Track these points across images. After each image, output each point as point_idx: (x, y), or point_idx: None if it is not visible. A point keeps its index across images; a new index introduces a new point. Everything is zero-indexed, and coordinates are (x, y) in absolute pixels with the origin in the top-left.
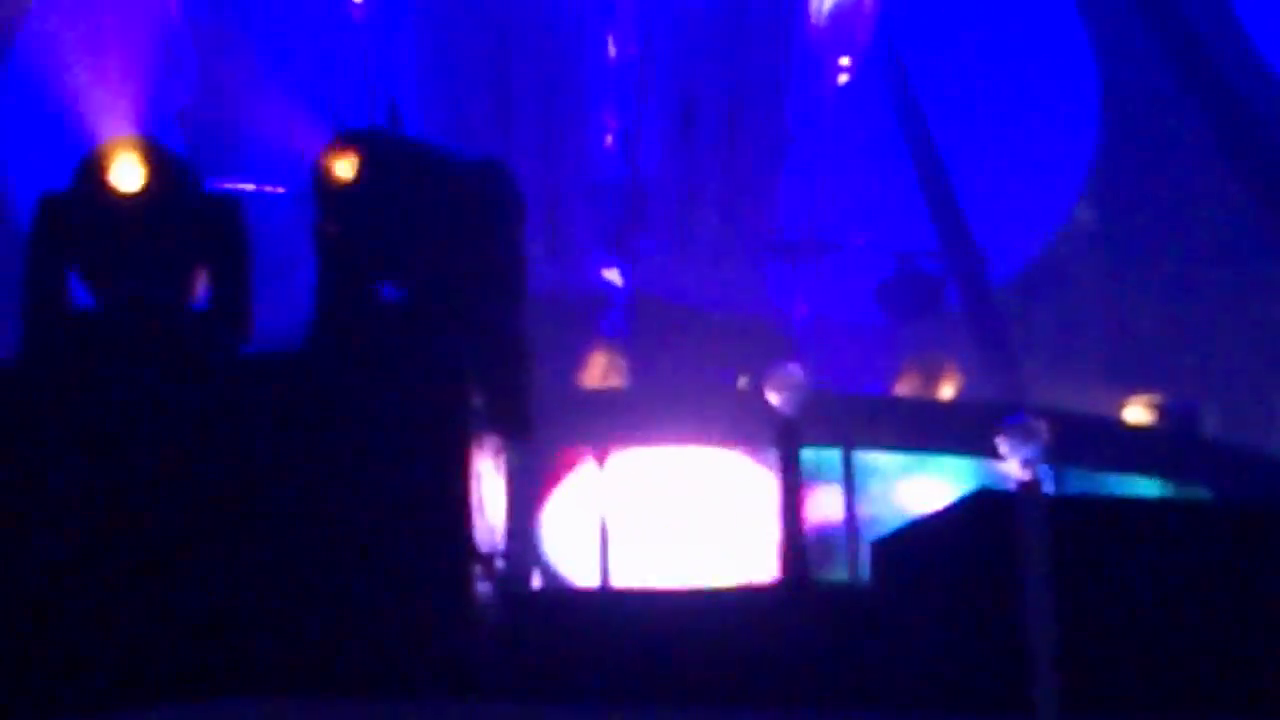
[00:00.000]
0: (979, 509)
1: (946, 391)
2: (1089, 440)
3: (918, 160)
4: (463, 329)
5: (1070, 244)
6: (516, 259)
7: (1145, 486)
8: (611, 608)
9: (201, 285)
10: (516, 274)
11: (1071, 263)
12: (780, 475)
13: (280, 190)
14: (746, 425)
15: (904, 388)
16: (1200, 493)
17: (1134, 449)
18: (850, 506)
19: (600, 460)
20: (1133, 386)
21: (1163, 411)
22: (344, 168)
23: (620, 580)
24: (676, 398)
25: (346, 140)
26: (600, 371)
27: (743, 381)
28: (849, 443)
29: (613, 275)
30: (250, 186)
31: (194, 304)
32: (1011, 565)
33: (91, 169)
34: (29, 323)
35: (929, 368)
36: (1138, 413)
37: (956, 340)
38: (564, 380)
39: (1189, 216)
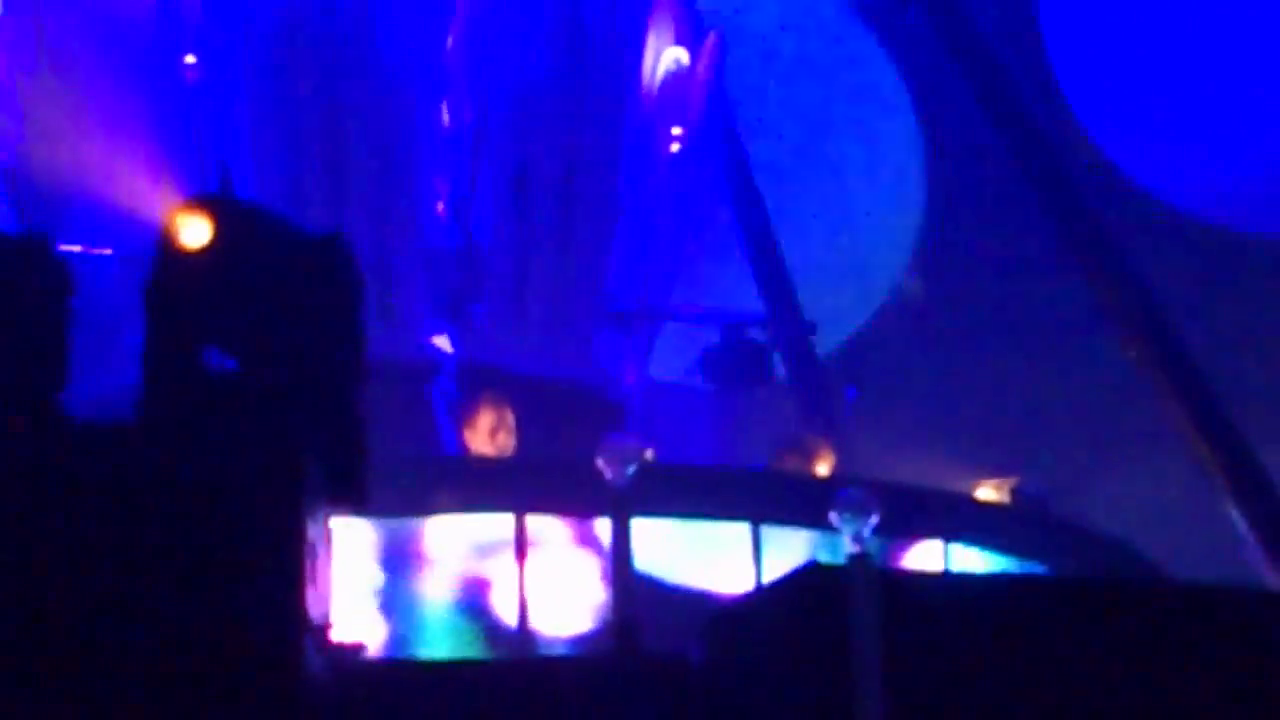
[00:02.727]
0: (809, 582)
1: (822, 467)
2: (928, 513)
3: (746, 229)
4: (297, 400)
5: (896, 313)
6: (355, 336)
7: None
8: (443, 678)
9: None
10: (354, 350)
11: (897, 332)
12: (612, 545)
13: (108, 252)
14: (577, 494)
15: (783, 465)
16: (1036, 568)
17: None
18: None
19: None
20: (956, 457)
21: (1014, 495)
22: (195, 233)
23: (449, 649)
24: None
25: (197, 205)
26: (488, 431)
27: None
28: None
29: (443, 342)
30: (77, 248)
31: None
32: (842, 639)
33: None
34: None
35: (803, 445)
36: (989, 494)
37: (784, 410)
38: (387, 448)
39: (1015, 286)
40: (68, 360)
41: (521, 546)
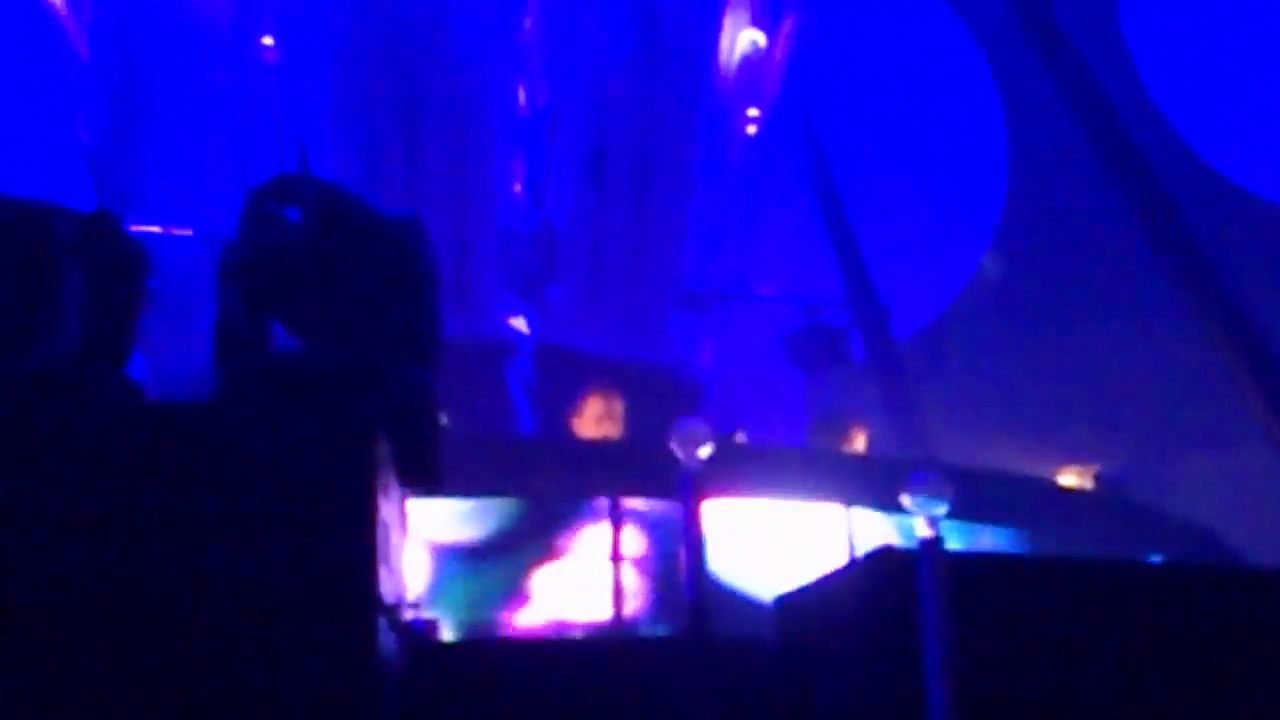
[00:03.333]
0: (881, 566)
1: (858, 444)
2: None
3: (824, 212)
4: (371, 380)
5: (976, 297)
6: (430, 322)
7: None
8: (519, 657)
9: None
10: (429, 332)
11: (977, 315)
12: (684, 528)
13: (188, 233)
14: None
15: (815, 441)
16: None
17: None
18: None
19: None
20: (1035, 439)
21: (1098, 480)
22: (275, 213)
23: (531, 629)
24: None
25: (277, 186)
26: (595, 418)
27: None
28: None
29: (520, 323)
30: (156, 229)
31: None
32: (911, 622)
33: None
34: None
35: (838, 421)
36: (1071, 480)
37: (862, 392)
38: (463, 427)
39: (1092, 269)
40: (139, 339)
41: (606, 527)
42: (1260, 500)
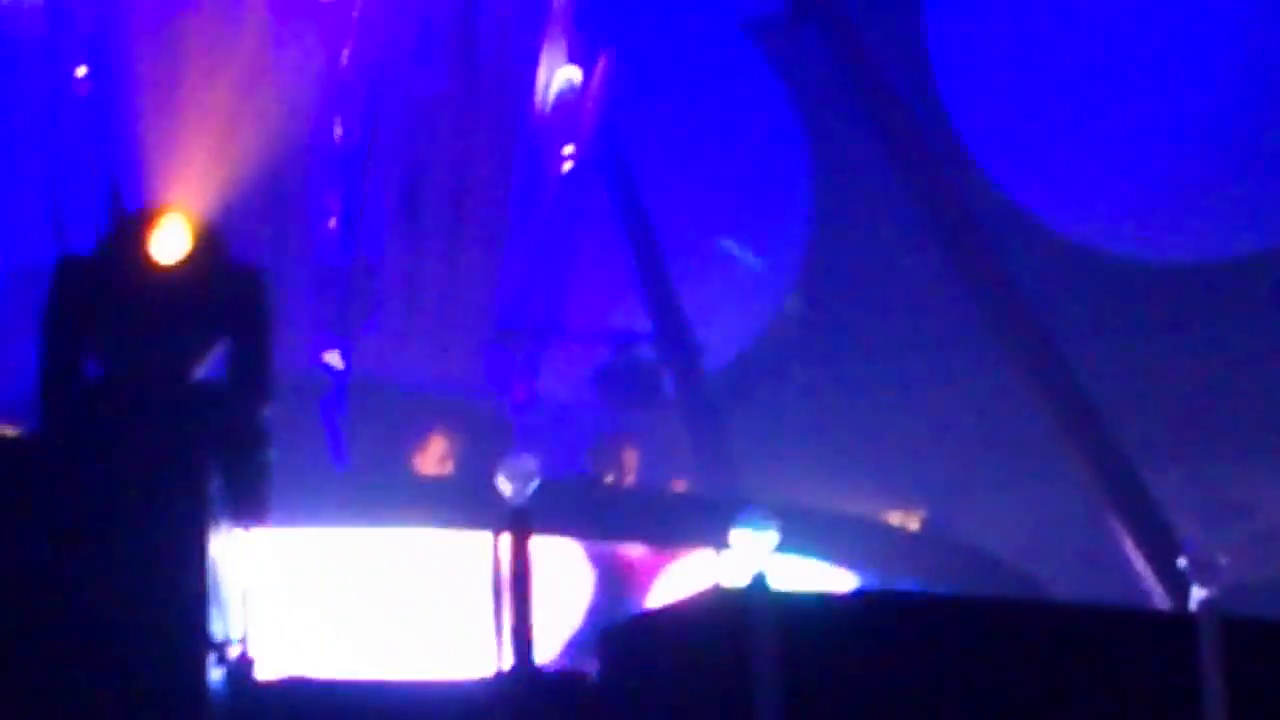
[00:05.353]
0: (709, 601)
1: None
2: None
3: (636, 248)
4: (200, 415)
5: (782, 334)
6: (263, 355)
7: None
8: (341, 697)
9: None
10: (265, 375)
11: (783, 353)
12: (511, 563)
13: None
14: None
15: (592, 466)
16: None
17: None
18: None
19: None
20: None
21: (923, 523)
22: (169, 247)
23: (343, 669)
24: (394, 479)
25: (165, 217)
26: (438, 457)
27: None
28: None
29: (333, 358)
30: None
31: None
32: (741, 659)
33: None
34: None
35: (612, 445)
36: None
37: (672, 428)
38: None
39: (898, 306)
40: None
41: (419, 564)
42: (1060, 536)
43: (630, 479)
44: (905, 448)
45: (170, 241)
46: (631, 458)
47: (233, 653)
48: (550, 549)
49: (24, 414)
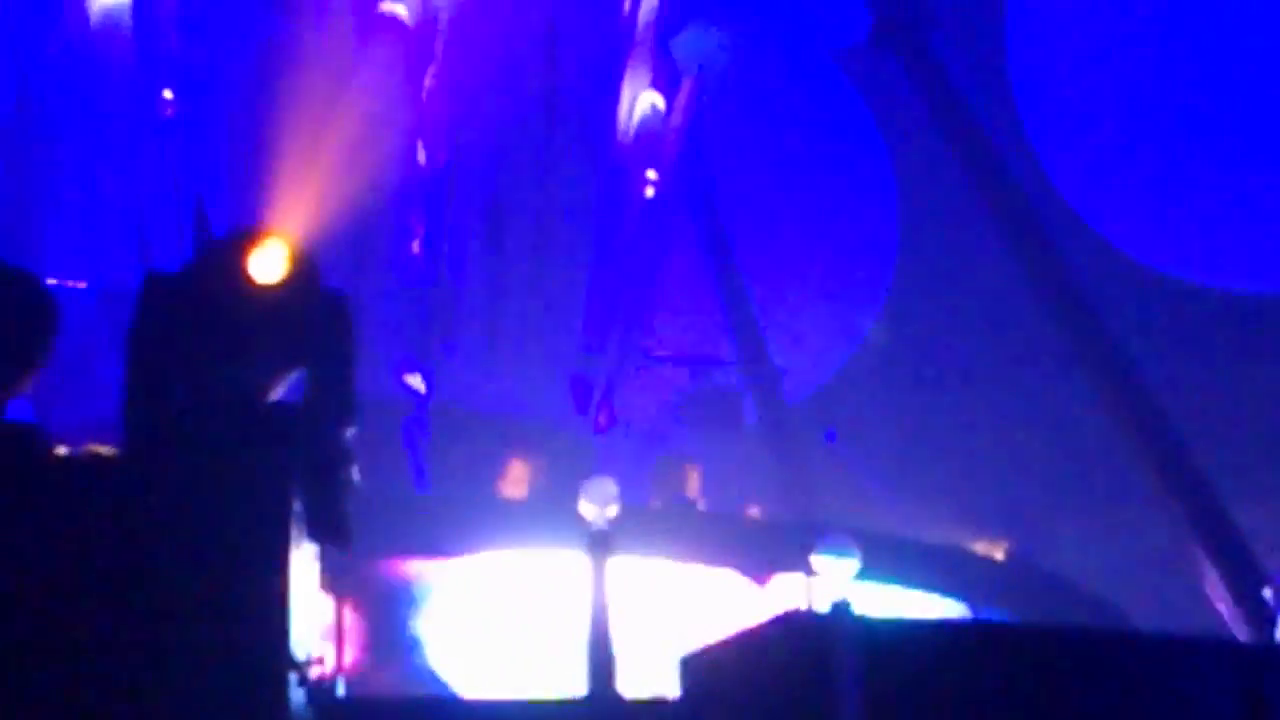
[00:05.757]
0: (791, 627)
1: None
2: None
3: (719, 274)
4: (284, 438)
5: (864, 364)
6: (346, 379)
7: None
8: (417, 717)
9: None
10: (345, 393)
11: (865, 383)
12: (591, 587)
13: (82, 285)
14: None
15: (656, 488)
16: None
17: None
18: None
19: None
20: (921, 509)
21: (1008, 554)
22: (271, 267)
23: (423, 689)
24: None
25: (263, 240)
26: (517, 480)
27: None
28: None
29: (415, 381)
30: (53, 281)
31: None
32: (823, 685)
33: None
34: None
35: (675, 466)
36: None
37: (755, 455)
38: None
39: (980, 334)
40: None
41: (501, 586)
42: (1143, 565)
43: (696, 501)
44: (987, 475)
45: (267, 264)
46: (695, 480)
47: (314, 672)
48: (635, 571)
49: (112, 433)
